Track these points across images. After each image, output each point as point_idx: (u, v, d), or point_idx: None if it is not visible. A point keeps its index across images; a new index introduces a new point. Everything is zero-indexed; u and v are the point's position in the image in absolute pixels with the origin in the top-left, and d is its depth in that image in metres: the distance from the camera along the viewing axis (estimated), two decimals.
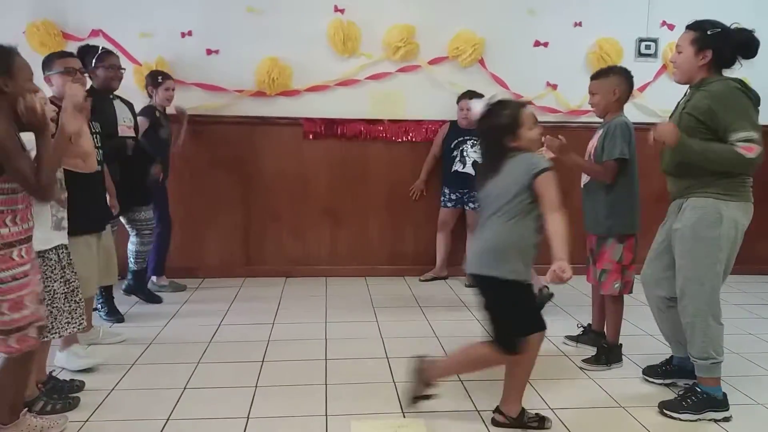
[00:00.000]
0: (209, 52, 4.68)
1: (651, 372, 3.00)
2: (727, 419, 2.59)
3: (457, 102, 4.67)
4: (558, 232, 2.24)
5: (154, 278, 4.47)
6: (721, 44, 2.52)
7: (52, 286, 2.51)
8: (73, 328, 2.60)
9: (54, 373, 2.82)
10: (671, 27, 4.85)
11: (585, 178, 3.21)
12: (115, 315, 3.84)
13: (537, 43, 4.92)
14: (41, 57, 2.98)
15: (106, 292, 3.85)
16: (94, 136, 3.03)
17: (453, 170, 4.69)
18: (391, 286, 4.72)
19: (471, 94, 4.60)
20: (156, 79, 4.25)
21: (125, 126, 3.83)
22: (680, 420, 2.60)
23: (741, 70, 2.60)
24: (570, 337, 3.51)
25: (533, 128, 2.39)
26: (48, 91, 2.72)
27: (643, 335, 3.64)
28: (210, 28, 4.66)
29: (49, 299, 2.48)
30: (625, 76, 3.10)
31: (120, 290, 4.10)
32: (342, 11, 4.73)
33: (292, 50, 4.71)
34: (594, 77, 3.16)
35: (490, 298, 2.43)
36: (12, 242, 2.13)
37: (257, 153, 4.82)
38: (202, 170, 4.73)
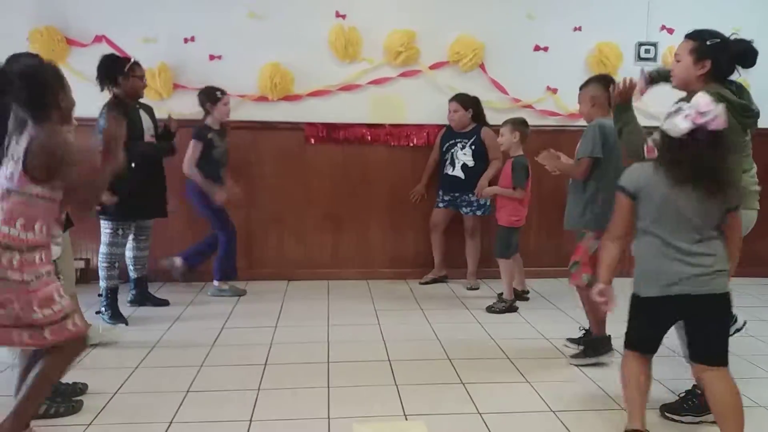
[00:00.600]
0: (212, 57, 4.71)
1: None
2: None
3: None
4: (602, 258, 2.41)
5: (216, 282, 4.49)
6: (720, 54, 2.53)
7: None
8: None
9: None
10: (671, 31, 4.88)
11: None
12: (118, 318, 3.85)
13: (537, 48, 4.94)
14: None
15: (111, 295, 3.88)
16: None
17: (444, 173, 4.69)
18: (392, 289, 4.73)
19: (461, 97, 4.62)
20: (214, 95, 4.29)
21: (149, 136, 3.99)
22: (682, 422, 2.61)
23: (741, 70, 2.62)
24: (572, 340, 3.51)
25: None
26: None
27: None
28: (212, 34, 4.69)
29: None
30: (602, 83, 3.26)
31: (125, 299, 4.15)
32: (343, 17, 4.76)
33: (294, 55, 4.74)
34: (580, 88, 3.37)
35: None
36: (36, 246, 2.19)
37: (259, 157, 4.84)
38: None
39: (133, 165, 3.73)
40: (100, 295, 3.97)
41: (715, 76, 2.56)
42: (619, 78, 2.96)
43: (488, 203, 4.62)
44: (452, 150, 4.66)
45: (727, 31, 2.59)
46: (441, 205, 4.76)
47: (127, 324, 3.83)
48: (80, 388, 2.80)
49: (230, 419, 2.61)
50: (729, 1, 4.96)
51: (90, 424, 2.55)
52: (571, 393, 2.90)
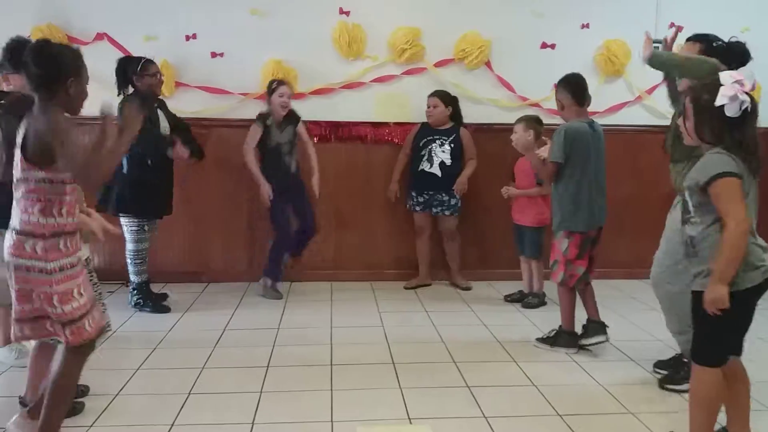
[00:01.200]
0: (214, 55, 4.67)
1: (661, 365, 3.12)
2: None
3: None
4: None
5: (261, 279, 4.47)
6: (725, 55, 2.75)
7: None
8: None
9: None
10: (680, 28, 4.79)
11: None
12: (160, 308, 4.08)
13: (544, 45, 4.89)
14: None
15: (147, 288, 4.08)
16: None
17: (420, 169, 4.59)
18: (396, 291, 4.69)
19: (442, 93, 4.56)
20: (270, 86, 4.32)
21: (165, 133, 4.06)
22: (684, 391, 2.74)
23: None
24: (541, 340, 3.54)
25: None
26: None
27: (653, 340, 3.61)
28: (214, 31, 4.65)
29: None
30: (567, 86, 3.35)
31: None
32: (347, 13, 4.71)
33: (297, 53, 4.69)
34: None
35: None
36: (58, 232, 2.15)
37: None
38: (207, 173, 4.70)
39: (150, 162, 3.88)
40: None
41: None
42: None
43: (458, 204, 4.59)
44: (430, 146, 4.57)
45: (736, 30, 2.86)
46: (418, 208, 4.66)
47: (170, 310, 4.07)
48: (82, 390, 2.76)
49: (232, 422, 2.58)
50: None
51: (92, 425, 2.53)
52: (578, 396, 2.86)
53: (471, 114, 4.77)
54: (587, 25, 4.88)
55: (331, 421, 2.59)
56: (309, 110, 4.74)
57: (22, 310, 2.19)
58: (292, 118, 4.40)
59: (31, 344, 2.58)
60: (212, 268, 4.86)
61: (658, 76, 4.95)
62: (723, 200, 2.06)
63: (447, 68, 4.84)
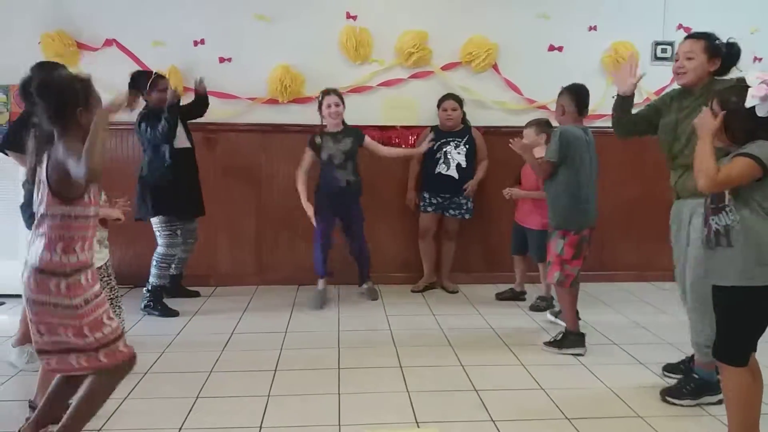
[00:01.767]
0: (222, 60, 4.69)
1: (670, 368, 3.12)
2: (721, 402, 2.58)
3: (439, 105, 4.61)
4: None
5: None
6: (725, 53, 2.79)
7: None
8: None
9: None
10: (688, 30, 4.78)
11: None
12: (169, 312, 4.10)
13: (551, 48, 4.88)
14: None
15: (161, 292, 4.13)
16: None
17: (436, 172, 4.57)
18: (403, 294, 4.68)
19: (455, 97, 4.56)
20: (319, 98, 4.31)
21: (184, 139, 4.15)
22: (682, 406, 2.73)
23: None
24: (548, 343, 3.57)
25: None
26: None
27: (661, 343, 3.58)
28: (222, 36, 4.67)
29: None
30: (573, 95, 3.42)
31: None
32: (354, 18, 4.72)
33: (305, 57, 4.71)
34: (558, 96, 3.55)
35: None
36: (80, 268, 2.18)
37: (270, 160, 4.81)
38: (215, 178, 4.73)
39: (167, 163, 3.99)
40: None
41: (718, 73, 2.82)
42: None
43: (472, 207, 4.61)
44: (445, 149, 4.56)
45: (745, 31, 2.77)
46: (429, 209, 4.66)
47: (178, 314, 4.08)
48: None
49: (240, 426, 2.58)
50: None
51: (100, 429, 2.54)
52: (586, 400, 2.85)
53: (478, 117, 4.77)
54: (594, 28, 4.87)
55: (339, 424, 2.59)
56: (316, 114, 4.74)
57: (44, 341, 2.19)
58: (351, 130, 4.36)
59: None
60: (220, 271, 4.87)
61: (665, 78, 4.97)
62: (736, 168, 2.10)
63: (454, 71, 4.84)
